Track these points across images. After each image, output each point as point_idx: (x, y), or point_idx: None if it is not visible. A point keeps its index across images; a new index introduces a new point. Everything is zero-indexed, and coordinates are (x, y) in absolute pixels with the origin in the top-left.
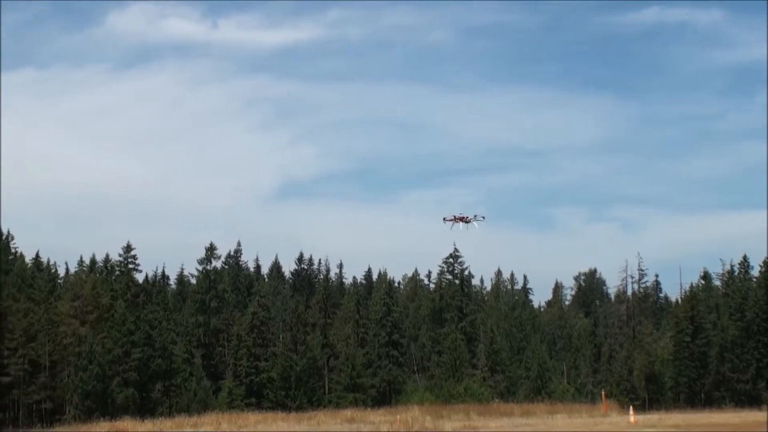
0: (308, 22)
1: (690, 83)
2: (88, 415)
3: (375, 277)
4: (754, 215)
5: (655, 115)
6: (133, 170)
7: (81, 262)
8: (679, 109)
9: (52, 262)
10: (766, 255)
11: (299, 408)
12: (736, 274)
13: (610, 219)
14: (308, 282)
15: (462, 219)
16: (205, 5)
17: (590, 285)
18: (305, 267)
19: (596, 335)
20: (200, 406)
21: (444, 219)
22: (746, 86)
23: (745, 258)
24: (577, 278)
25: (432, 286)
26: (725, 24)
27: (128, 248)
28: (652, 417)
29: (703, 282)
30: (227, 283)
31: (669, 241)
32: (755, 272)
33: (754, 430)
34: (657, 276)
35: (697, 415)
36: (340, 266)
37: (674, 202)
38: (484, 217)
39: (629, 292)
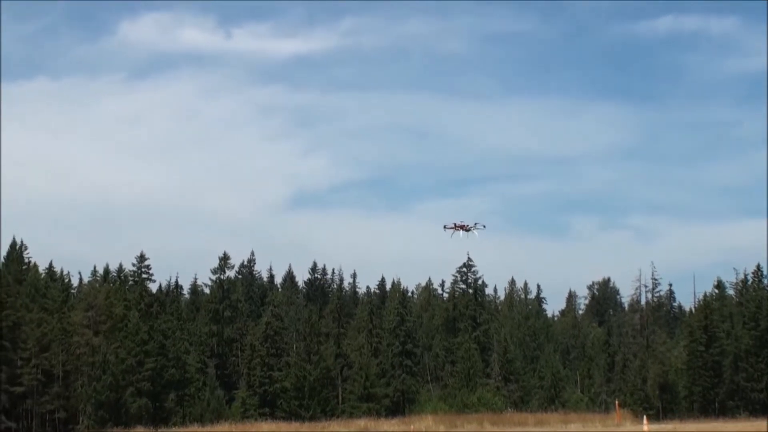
0: (322, 32)
1: (706, 91)
2: (101, 424)
3: (388, 286)
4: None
5: (671, 122)
6: (146, 179)
7: (94, 271)
8: (695, 116)
9: (65, 272)
10: None
11: (313, 418)
12: (749, 283)
13: (624, 227)
14: (322, 291)
15: (462, 227)
16: (219, 15)
17: (604, 294)
18: (319, 276)
19: (610, 344)
20: (213, 415)
21: (444, 226)
22: (762, 94)
23: (758, 267)
24: (590, 287)
25: (445, 295)
26: (739, 32)
27: (142, 258)
28: (666, 426)
29: (716, 291)
30: (241, 293)
31: (683, 250)
32: None
33: None
34: (671, 285)
35: (712, 425)
36: (354, 276)
37: (688, 210)
38: (484, 226)
39: (643, 302)
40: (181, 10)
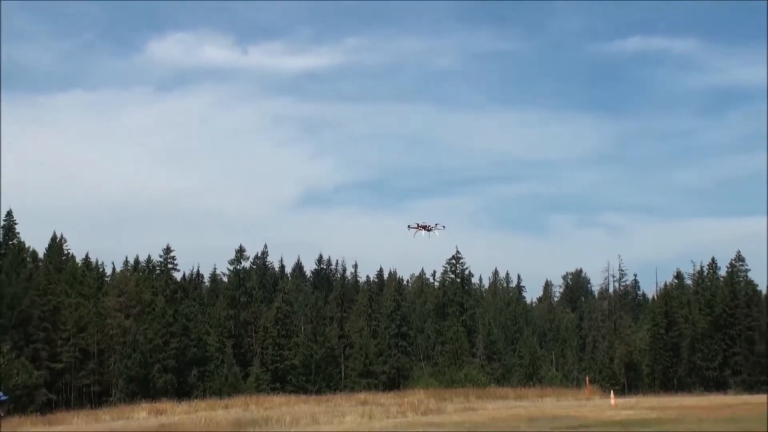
0: (327, 49)
1: (670, 103)
2: (131, 397)
3: (386, 276)
4: (723, 222)
5: (640, 131)
6: (171, 181)
7: (126, 262)
8: (661, 125)
9: (100, 263)
10: (733, 257)
11: (318, 392)
12: (705, 274)
13: (596, 225)
14: (327, 280)
15: (425, 227)
16: (236, 34)
17: (576, 283)
18: (324, 267)
19: (581, 328)
20: (231, 389)
21: (408, 226)
22: (718, 107)
23: (713, 260)
24: (565, 277)
25: (436, 284)
26: (699, 51)
27: (167, 250)
28: (631, 400)
29: (676, 281)
30: (255, 281)
31: (647, 245)
32: (722, 272)
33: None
34: (635, 275)
35: (670, 399)
36: (355, 266)
37: (654, 209)
38: (444, 227)
39: (611, 290)
40: (202, 30)
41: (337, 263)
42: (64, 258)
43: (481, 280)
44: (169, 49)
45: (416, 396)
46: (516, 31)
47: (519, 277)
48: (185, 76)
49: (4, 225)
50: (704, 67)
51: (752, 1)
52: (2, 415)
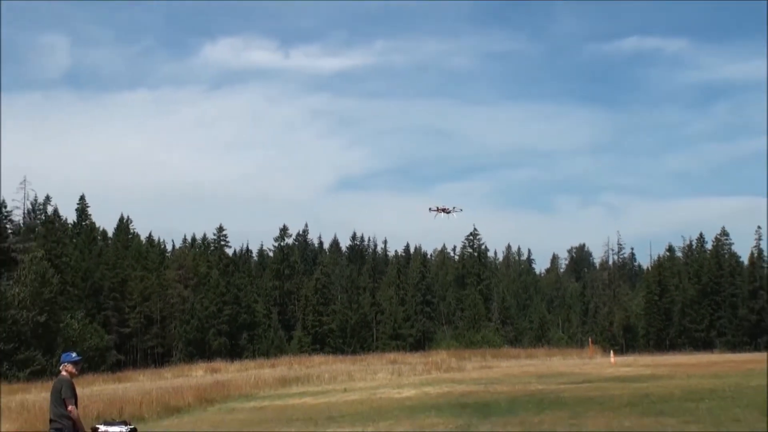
0: (359, 51)
1: (662, 97)
2: (190, 357)
3: (412, 250)
4: (709, 201)
5: (635, 123)
6: (223, 169)
7: (184, 239)
8: (654, 118)
9: (161, 240)
10: (718, 232)
11: (353, 352)
12: (694, 247)
13: (597, 204)
14: (360, 255)
15: (444, 210)
16: (279, 39)
17: (580, 256)
18: (358, 243)
19: (584, 295)
20: (276, 351)
21: (429, 209)
22: (705, 100)
23: (701, 235)
24: (569, 251)
25: (456, 257)
26: (688, 51)
27: (220, 229)
28: (628, 359)
29: (668, 253)
30: (297, 256)
31: (642, 222)
32: (709, 246)
33: (706, 367)
34: (632, 249)
35: (663, 357)
36: (385, 242)
37: (648, 191)
38: (461, 209)
39: (610, 262)
40: (249, 35)
41: (369, 240)
42: (130, 236)
43: (495, 253)
44: (220, 52)
45: (439, 356)
46: (523, 33)
47: (529, 251)
48: (234, 76)
49: (78, 208)
50: (693, 64)
51: (738, 3)
52: (77, 373)
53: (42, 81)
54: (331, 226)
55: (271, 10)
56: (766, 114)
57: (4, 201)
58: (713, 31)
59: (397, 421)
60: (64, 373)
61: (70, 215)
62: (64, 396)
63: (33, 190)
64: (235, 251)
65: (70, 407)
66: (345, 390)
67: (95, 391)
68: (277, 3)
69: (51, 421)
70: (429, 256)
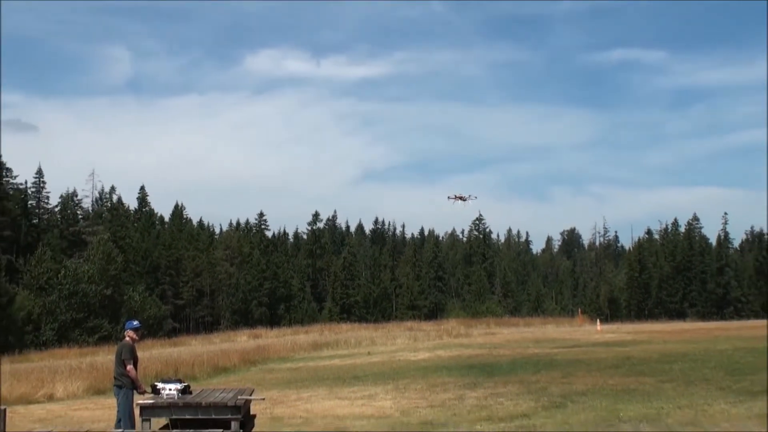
0: (380, 61)
1: (643, 100)
2: (235, 325)
3: (426, 233)
4: (682, 191)
5: (621, 122)
6: (263, 164)
7: (230, 224)
8: (637, 118)
9: (210, 224)
10: (690, 217)
11: (375, 321)
12: (669, 230)
13: (586, 194)
14: (381, 237)
15: (460, 198)
16: (311, 51)
17: (571, 238)
18: (379, 227)
19: (575, 272)
20: (309, 319)
21: (448, 197)
22: (681, 103)
23: (675, 220)
24: (562, 234)
25: (464, 239)
26: (665, 60)
27: (261, 214)
28: (612, 326)
29: (647, 236)
30: (327, 238)
31: (625, 209)
32: (682, 229)
33: (680, 334)
34: (616, 232)
35: (642, 325)
36: (403, 226)
37: (631, 182)
38: (476, 197)
39: (597, 243)
40: (285, 47)
41: (389, 224)
42: (183, 221)
43: (498, 236)
44: (261, 62)
45: (450, 324)
46: (526, 45)
47: (527, 233)
48: (273, 83)
49: (138, 197)
50: (669, 72)
51: (708, 18)
52: (138, 338)
53: (108, 88)
54: (357, 212)
55: (305, 25)
56: (766, 112)
57: (75, 191)
58: (687, 43)
59: (413, 379)
60: (126, 338)
61: (132, 203)
62: (124, 358)
63: (100, 181)
64: (273, 234)
65: (128, 367)
66: (368, 353)
67: (154, 354)
68: (309, 19)
69: (114, 378)
70: (441, 238)
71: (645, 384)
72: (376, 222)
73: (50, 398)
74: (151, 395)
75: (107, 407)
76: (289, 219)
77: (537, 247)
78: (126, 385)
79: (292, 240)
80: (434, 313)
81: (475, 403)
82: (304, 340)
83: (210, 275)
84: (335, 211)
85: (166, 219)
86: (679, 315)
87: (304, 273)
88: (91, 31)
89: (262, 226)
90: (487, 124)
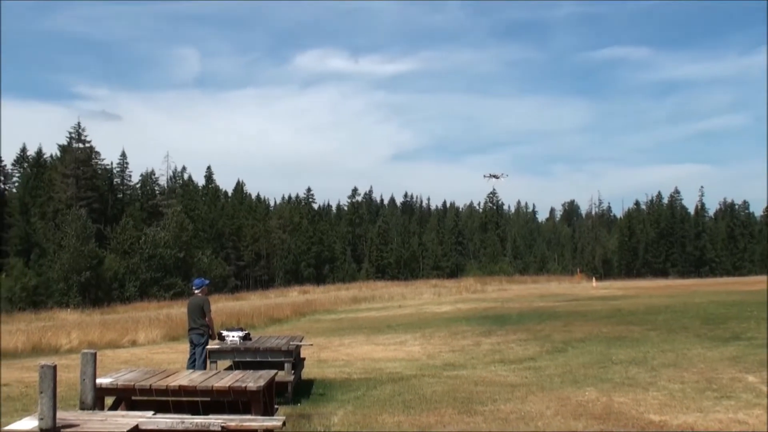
0: (409, 59)
1: (632, 92)
2: (287, 283)
3: (448, 204)
4: (665, 168)
5: (612, 111)
6: (311, 147)
7: (283, 197)
8: (626, 107)
9: (266, 198)
10: (672, 191)
11: (405, 279)
12: (654, 201)
13: (584, 171)
14: (410, 208)
15: (494, 176)
16: (351, 50)
17: (571, 209)
18: (409, 200)
19: (574, 237)
20: (350, 278)
21: (484, 175)
22: (662, 93)
23: (659, 193)
24: (563, 205)
25: (480, 210)
26: (650, 57)
27: (309, 190)
28: (606, 283)
29: (635, 206)
30: (364, 209)
31: (617, 184)
32: (665, 201)
33: (663, 289)
34: (609, 203)
35: (631, 282)
36: (429, 199)
37: (622, 160)
38: (507, 175)
39: (593, 213)
40: (329, 48)
41: (417, 197)
42: (243, 195)
43: (509, 207)
44: (308, 60)
45: (468, 282)
46: (532, 45)
47: (534, 205)
48: (318, 78)
49: (206, 175)
50: (652, 67)
51: (686, 19)
52: (206, 294)
53: (179, 83)
54: (389, 187)
55: (346, 29)
56: (766, 110)
57: (153, 170)
58: (667, 42)
59: (437, 328)
60: (198, 293)
61: (200, 180)
62: (206, 309)
63: (174, 162)
64: (319, 206)
65: (211, 316)
66: (399, 306)
67: (219, 307)
68: (349, 24)
69: (191, 329)
70: (460, 209)
71: (633, 332)
72: (405, 195)
73: (133, 343)
74: (218, 341)
75: (180, 351)
76: (332, 193)
77: (542, 216)
78: (206, 333)
79: (335, 211)
80: (455, 272)
81: (489, 348)
82: (345, 295)
83: (266, 241)
84: (371, 187)
85: (229, 193)
86: (663, 273)
87: (345, 239)
88: (166, 35)
89: (310, 200)
90: (499, 112)
